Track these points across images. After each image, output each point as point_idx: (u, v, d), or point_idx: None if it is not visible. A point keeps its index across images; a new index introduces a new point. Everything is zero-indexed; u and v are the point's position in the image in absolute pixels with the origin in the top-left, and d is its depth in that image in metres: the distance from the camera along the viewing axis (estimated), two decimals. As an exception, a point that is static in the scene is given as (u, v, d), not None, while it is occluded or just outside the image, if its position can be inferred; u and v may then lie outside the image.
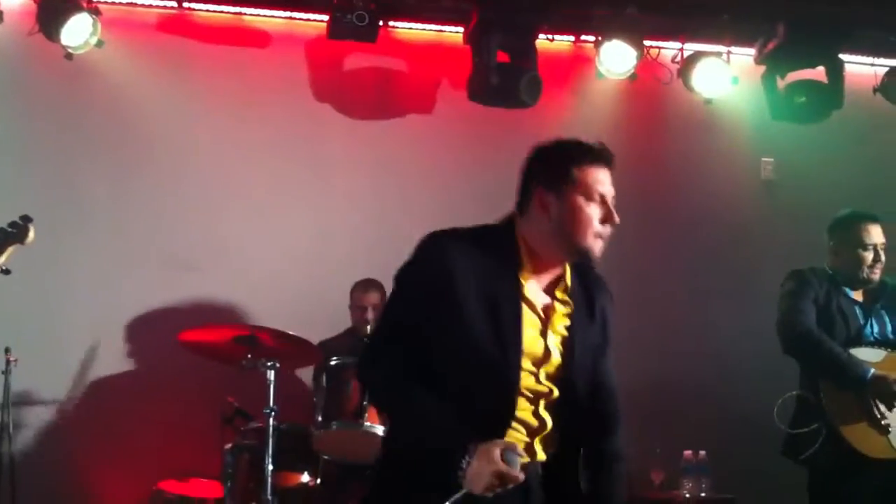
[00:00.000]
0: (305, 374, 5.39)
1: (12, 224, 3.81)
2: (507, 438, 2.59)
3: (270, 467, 4.44)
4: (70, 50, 5.29)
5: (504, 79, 5.61)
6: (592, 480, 2.74)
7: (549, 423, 2.71)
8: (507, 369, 2.61)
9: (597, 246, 2.68)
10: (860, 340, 4.45)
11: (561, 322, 2.72)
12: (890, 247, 4.54)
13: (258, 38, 5.87)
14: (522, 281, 2.68)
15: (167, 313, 5.48)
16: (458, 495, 2.49)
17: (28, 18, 5.32)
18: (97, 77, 5.51)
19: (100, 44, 5.32)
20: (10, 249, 3.82)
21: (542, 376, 2.68)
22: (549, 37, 6.06)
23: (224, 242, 5.62)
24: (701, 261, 6.08)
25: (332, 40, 5.73)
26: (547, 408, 2.70)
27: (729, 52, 6.06)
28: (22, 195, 5.18)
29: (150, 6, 5.73)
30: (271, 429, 4.48)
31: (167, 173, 5.64)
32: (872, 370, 4.31)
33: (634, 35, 5.79)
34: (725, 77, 5.94)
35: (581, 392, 2.72)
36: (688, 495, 5.36)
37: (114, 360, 5.49)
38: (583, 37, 6.15)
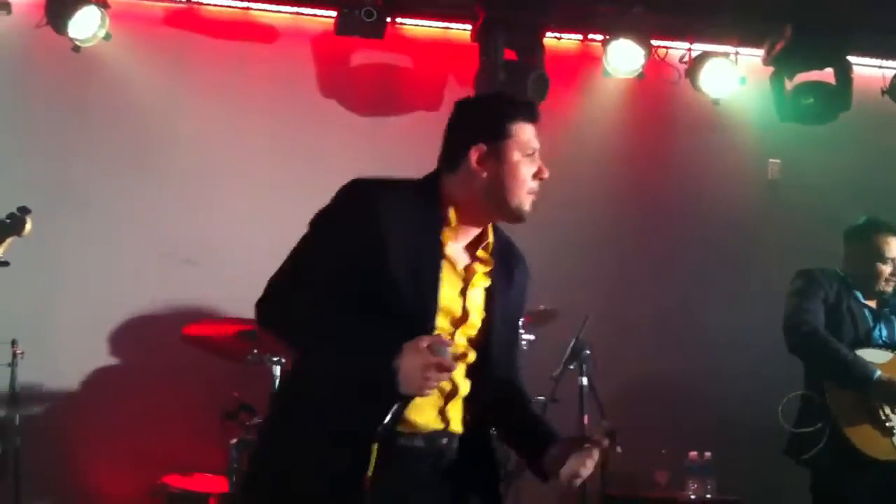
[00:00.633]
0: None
1: (10, 215, 3.78)
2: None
3: (275, 463, 4.42)
4: (78, 42, 5.29)
5: (511, 76, 5.60)
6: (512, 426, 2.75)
7: (463, 389, 2.65)
8: (424, 322, 2.53)
9: (528, 202, 2.65)
10: (868, 342, 4.45)
11: (481, 282, 2.67)
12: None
13: (265, 34, 5.87)
14: (444, 239, 2.60)
15: (172, 308, 5.46)
16: (396, 406, 2.42)
17: (36, 11, 5.33)
18: (104, 70, 5.51)
19: (107, 37, 5.33)
20: (7, 241, 3.79)
21: (457, 336, 2.61)
22: (557, 35, 6.05)
23: (229, 237, 5.61)
24: (706, 260, 6.06)
25: (338, 36, 5.72)
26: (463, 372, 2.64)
27: (737, 53, 6.07)
28: (26, 186, 5.18)
29: (158, 0, 5.72)
30: (276, 424, 4.46)
31: (172, 167, 5.63)
32: (878, 371, 4.30)
33: (642, 34, 5.80)
34: (733, 77, 5.95)
35: (495, 357, 2.68)
36: (693, 496, 5.35)
37: (118, 353, 5.48)
38: (590, 35, 6.14)
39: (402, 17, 5.97)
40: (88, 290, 5.45)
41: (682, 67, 6.06)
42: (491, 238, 2.71)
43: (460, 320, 2.63)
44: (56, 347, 5.29)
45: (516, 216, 2.67)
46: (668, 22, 5.98)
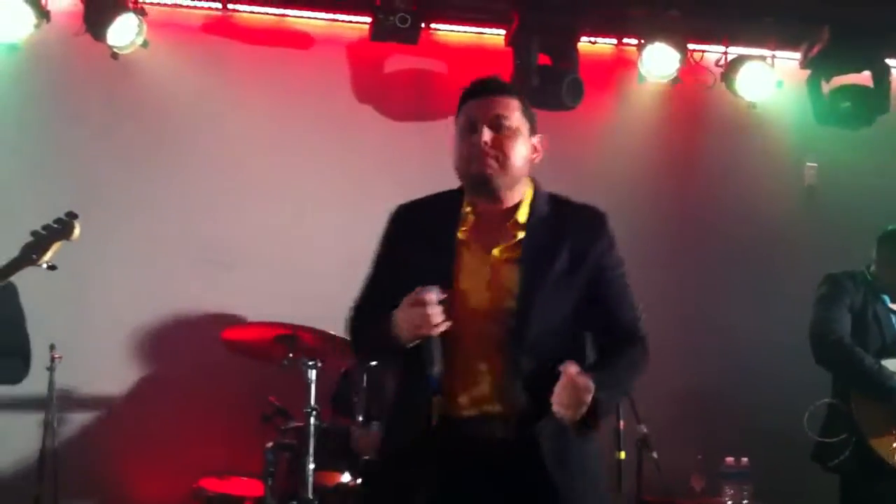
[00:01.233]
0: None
1: (58, 220, 3.82)
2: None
3: (311, 466, 4.45)
4: (116, 50, 5.35)
5: (545, 81, 5.60)
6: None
7: (500, 368, 2.72)
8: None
9: (474, 166, 2.78)
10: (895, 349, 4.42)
11: (506, 255, 2.79)
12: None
13: (301, 40, 5.91)
14: (464, 227, 2.82)
15: (209, 311, 5.51)
16: (431, 351, 2.67)
17: (75, 19, 5.38)
18: (142, 76, 5.56)
19: (145, 44, 5.38)
20: (56, 246, 3.83)
21: (493, 309, 2.74)
22: (591, 39, 6.04)
23: (265, 241, 5.64)
24: (741, 265, 6.02)
25: (373, 42, 5.75)
26: (498, 348, 2.73)
27: (773, 56, 6.02)
28: (66, 191, 5.25)
29: (195, 7, 5.78)
30: (312, 428, 4.48)
31: (209, 172, 5.67)
32: None
33: (677, 38, 5.76)
34: (770, 81, 5.90)
35: (543, 324, 2.73)
36: (730, 502, 5.31)
37: (155, 357, 5.53)
38: (625, 39, 6.12)
39: (436, 22, 5.98)
40: (126, 294, 5.50)
41: (718, 71, 6.02)
42: (524, 210, 2.83)
43: (491, 296, 2.75)
44: (93, 351, 5.35)
45: (472, 184, 2.83)
46: (703, 25, 5.94)
